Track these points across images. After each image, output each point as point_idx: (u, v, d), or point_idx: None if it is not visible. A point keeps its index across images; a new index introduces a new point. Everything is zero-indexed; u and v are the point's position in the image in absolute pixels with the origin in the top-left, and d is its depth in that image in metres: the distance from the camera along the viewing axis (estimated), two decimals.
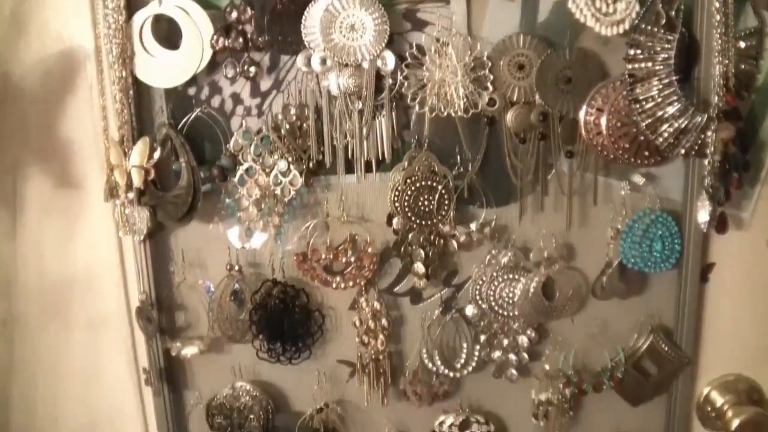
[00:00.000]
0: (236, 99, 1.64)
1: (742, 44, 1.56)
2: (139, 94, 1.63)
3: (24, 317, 1.85)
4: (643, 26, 1.52)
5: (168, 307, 1.76)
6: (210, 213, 1.69)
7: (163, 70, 1.60)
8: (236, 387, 1.78)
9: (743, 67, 1.57)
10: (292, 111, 1.61)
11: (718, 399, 1.76)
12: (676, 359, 1.71)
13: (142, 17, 1.59)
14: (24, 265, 1.81)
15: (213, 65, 1.61)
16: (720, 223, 1.59)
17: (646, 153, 1.59)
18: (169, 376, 1.79)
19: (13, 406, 1.91)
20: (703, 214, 1.57)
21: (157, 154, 1.61)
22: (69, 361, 1.88)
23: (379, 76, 1.58)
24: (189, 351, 1.73)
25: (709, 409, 1.78)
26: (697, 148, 1.55)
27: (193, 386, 1.83)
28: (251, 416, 1.78)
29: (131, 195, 1.61)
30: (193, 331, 1.78)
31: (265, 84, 1.63)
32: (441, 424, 1.77)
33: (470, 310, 1.70)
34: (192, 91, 1.63)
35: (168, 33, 1.60)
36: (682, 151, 1.56)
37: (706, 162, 1.55)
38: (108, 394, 1.89)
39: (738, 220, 1.66)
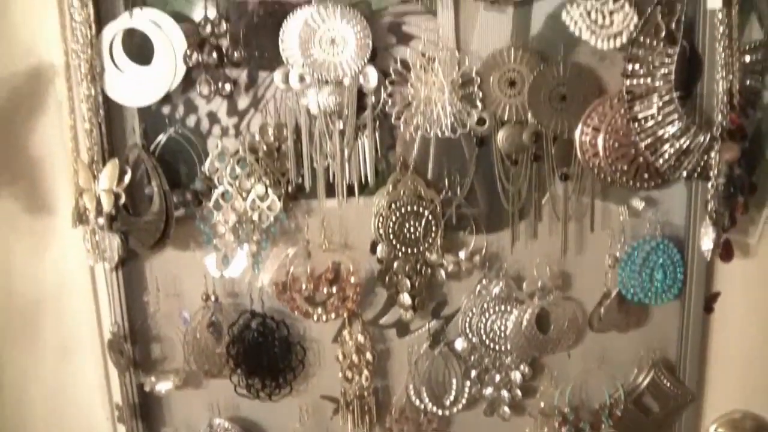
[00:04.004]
0: (213, 118, 1.55)
1: (747, 58, 1.49)
2: (110, 112, 1.54)
3: None
4: (642, 39, 1.45)
5: (142, 338, 1.67)
6: (185, 239, 1.60)
7: (135, 87, 1.52)
8: (214, 424, 1.69)
9: (748, 83, 1.50)
10: (270, 131, 1.52)
11: None
12: (680, 395, 1.63)
13: (112, 31, 1.50)
14: None
15: (188, 82, 1.52)
16: (725, 251, 1.51)
17: (646, 175, 1.52)
18: (144, 413, 1.70)
19: None
20: (706, 242, 1.49)
21: (127, 177, 1.52)
22: (38, 390, 1.77)
23: (361, 94, 1.50)
24: (163, 386, 1.64)
25: None
26: (699, 169, 1.48)
27: (169, 423, 1.73)
28: None
29: (101, 220, 1.52)
30: (169, 364, 1.69)
31: (242, 102, 1.54)
32: None
33: (460, 344, 1.61)
34: (166, 109, 1.55)
35: (140, 48, 1.51)
36: (684, 174, 1.49)
37: (709, 185, 1.47)
38: (79, 428, 1.78)
39: (744, 246, 1.59)
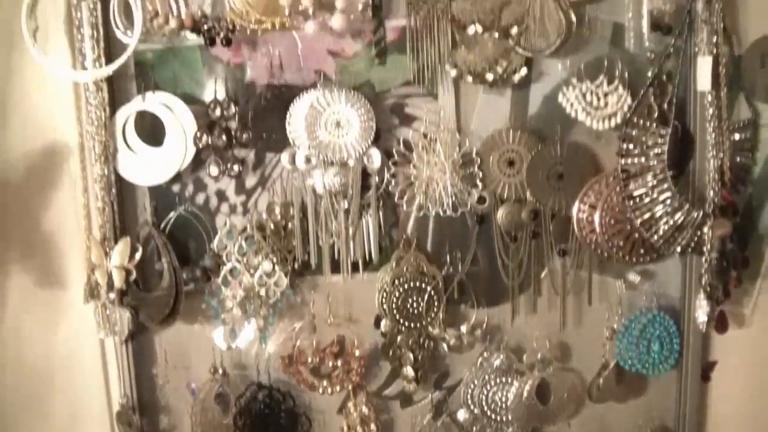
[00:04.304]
0: (221, 196, 1.60)
1: (737, 136, 1.54)
2: (122, 191, 1.60)
3: (2, 412, 1.78)
4: (636, 120, 1.51)
5: (150, 410, 1.71)
6: (194, 313, 1.64)
7: (147, 167, 1.57)
8: None
9: (738, 159, 1.56)
10: (277, 210, 1.57)
11: None
12: None
13: (126, 113, 1.56)
14: (3, 359, 1.75)
15: (198, 161, 1.58)
16: (719, 323, 1.55)
17: (642, 250, 1.56)
18: None
19: None
20: (701, 314, 1.52)
21: (138, 255, 1.57)
22: None
23: (365, 174, 1.55)
24: None
25: None
26: (693, 244, 1.53)
27: None
28: None
29: (112, 295, 1.56)
30: None
31: (250, 181, 1.59)
32: None
33: (462, 415, 1.65)
34: (176, 188, 1.60)
35: (152, 129, 1.57)
36: (679, 249, 1.53)
37: (703, 259, 1.51)
38: None
39: (739, 316, 1.63)
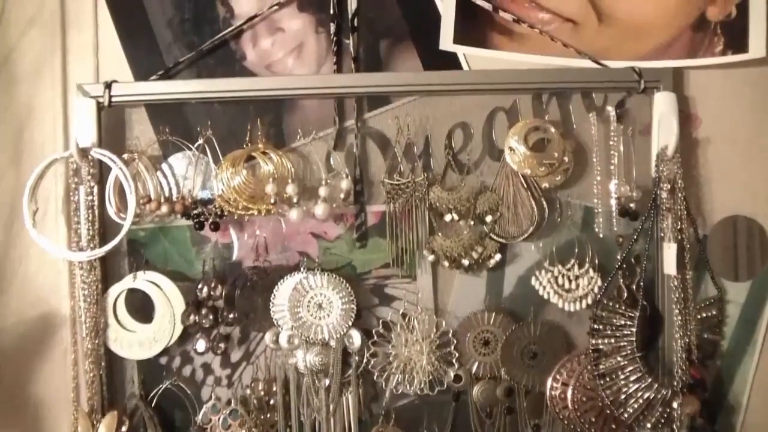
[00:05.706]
0: (207, 369, 1.66)
1: (704, 314, 1.60)
2: (110, 363, 1.64)
3: None
4: (605, 302, 1.57)
5: None
6: None
7: (136, 342, 1.62)
8: None
9: (706, 336, 1.62)
10: (260, 386, 1.62)
11: None
12: None
13: (117, 291, 1.62)
14: None
15: (185, 334, 1.63)
16: None
17: (613, 426, 1.61)
18: None
19: None
20: None
21: (125, 428, 1.61)
22: None
23: (346, 352, 1.59)
24: None
25: None
26: (664, 420, 1.56)
27: None
28: None
29: None
30: None
31: (235, 355, 1.65)
32: None
33: None
34: (163, 360, 1.65)
35: (142, 303, 1.63)
36: (649, 425, 1.57)
37: None
38: None
39: None
